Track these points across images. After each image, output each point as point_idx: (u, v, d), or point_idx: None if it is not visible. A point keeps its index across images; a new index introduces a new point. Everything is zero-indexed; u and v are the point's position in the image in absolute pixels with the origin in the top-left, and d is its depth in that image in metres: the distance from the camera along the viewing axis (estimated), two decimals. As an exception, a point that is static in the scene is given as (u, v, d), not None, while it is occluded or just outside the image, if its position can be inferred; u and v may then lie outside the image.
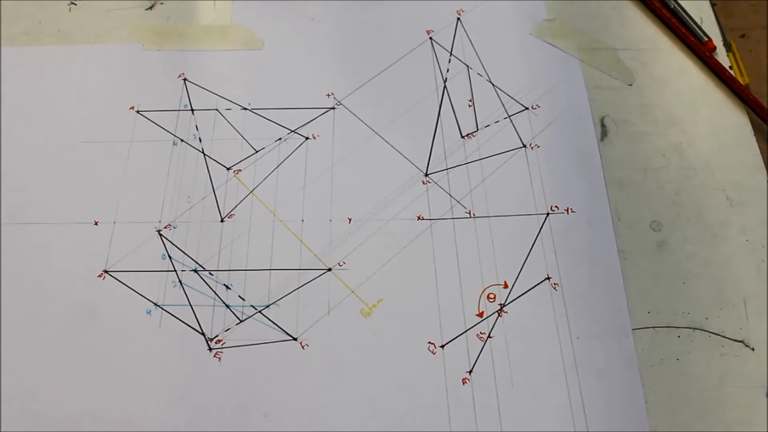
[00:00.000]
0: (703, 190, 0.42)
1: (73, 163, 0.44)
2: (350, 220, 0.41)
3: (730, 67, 0.47)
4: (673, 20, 0.49)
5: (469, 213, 0.42)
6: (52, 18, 0.50)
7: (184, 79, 0.47)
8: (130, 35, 0.49)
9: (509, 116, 0.45)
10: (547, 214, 0.41)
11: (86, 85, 0.47)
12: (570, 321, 0.38)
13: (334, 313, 0.39)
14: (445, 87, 0.47)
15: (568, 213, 0.41)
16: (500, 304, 0.39)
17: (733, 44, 0.48)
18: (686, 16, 0.49)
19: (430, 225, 0.41)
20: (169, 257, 0.40)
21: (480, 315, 0.38)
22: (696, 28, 0.48)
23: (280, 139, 0.45)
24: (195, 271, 0.40)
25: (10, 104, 0.46)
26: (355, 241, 0.41)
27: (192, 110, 0.46)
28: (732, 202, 0.42)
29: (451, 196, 0.42)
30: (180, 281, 0.40)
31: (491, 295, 0.39)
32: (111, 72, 0.48)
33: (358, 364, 0.37)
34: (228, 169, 0.44)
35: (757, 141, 0.44)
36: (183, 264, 0.40)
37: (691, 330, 0.38)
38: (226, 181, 0.43)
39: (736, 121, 0.45)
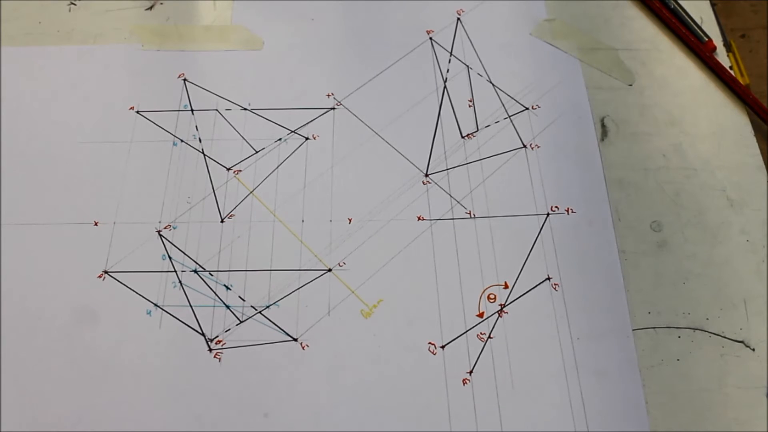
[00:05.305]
0: (703, 190, 0.42)
1: (73, 163, 0.44)
2: (350, 220, 0.41)
3: (731, 67, 0.47)
4: (674, 20, 0.49)
5: (470, 213, 0.42)
6: (52, 18, 0.50)
7: (184, 80, 0.47)
8: (130, 35, 0.49)
9: (509, 116, 0.45)
10: (548, 214, 0.41)
11: (86, 85, 0.47)
12: (570, 321, 0.38)
13: (334, 313, 0.39)
14: (445, 87, 0.47)
15: (568, 213, 0.41)
16: (500, 305, 0.39)
17: (733, 44, 0.48)
18: (686, 16, 0.49)
19: (431, 225, 0.41)
20: (169, 258, 0.40)
21: (480, 315, 0.38)
22: (696, 28, 0.48)
23: (280, 139, 0.45)
24: (195, 271, 0.40)
25: (10, 104, 0.46)
26: (356, 241, 0.41)
27: (192, 110, 0.46)
28: (732, 202, 0.42)
29: (451, 196, 0.42)
30: (180, 282, 0.40)
31: (491, 296, 0.39)
32: (111, 72, 0.48)
33: (358, 364, 0.37)
34: (228, 169, 0.44)
35: (757, 141, 0.44)
36: (183, 264, 0.40)
37: (692, 330, 0.38)
38: (226, 182, 0.43)
39: (736, 121, 0.45)
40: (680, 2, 0.49)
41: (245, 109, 0.46)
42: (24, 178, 0.43)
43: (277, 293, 0.39)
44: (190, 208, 0.42)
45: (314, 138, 0.45)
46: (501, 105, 0.46)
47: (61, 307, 0.39)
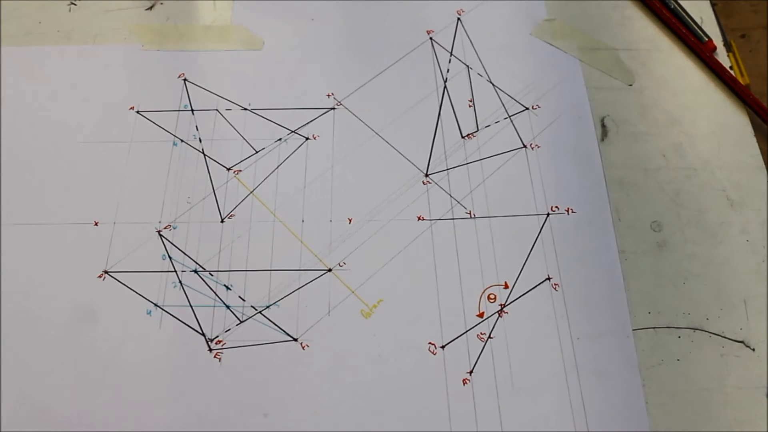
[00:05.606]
0: (703, 190, 0.42)
1: (73, 163, 0.44)
2: (350, 220, 0.41)
3: (731, 67, 0.47)
4: (674, 20, 0.49)
5: (470, 213, 0.42)
6: (52, 18, 0.50)
7: (184, 80, 0.47)
8: (130, 35, 0.49)
9: (509, 116, 0.45)
10: (548, 214, 0.41)
11: (86, 85, 0.47)
12: (570, 321, 0.38)
13: (334, 313, 0.39)
14: (445, 87, 0.47)
15: (568, 213, 0.41)
16: (501, 305, 0.39)
17: (733, 44, 0.48)
18: (686, 16, 0.49)
19: (431, 225, 0.41)
20: (169, 258, 0.40)
21: (480, 315, 0.38)
22: (696, 28, 0.48)
23: (280, 139, 0.45)
24: (195, 271, 0.40)
25: (10, 104, 0.46)
26: (356, 241, 0.41)
27: (192, 110, 0.46)
28: (732, 202, 0.42)
29: (451, 196, 0.42)
30: (180, 282, 0.40)
31: (492, 296, 0.39)
32: (111, 72, 0.47)
33: (358, 364, 0.37)
34: (228, 169, 0.44)
35: (757, 141, 0.44)
36: (183, 264, 0.40)
37: (692, 330, 0.38)
38: (226, 182, 0.43)
39: (736, 121, 0.45)
40: (680, 2, 0.49)
41: (245, 109, 0.46)
42: (24, 178, 0.43)
43: (277, 293, 0.39)
44: (190, 208, 0.42)
45: (314, 138, 0.45)
46: (501, 105, 0.46)
47: (61, 307, 0.39)
